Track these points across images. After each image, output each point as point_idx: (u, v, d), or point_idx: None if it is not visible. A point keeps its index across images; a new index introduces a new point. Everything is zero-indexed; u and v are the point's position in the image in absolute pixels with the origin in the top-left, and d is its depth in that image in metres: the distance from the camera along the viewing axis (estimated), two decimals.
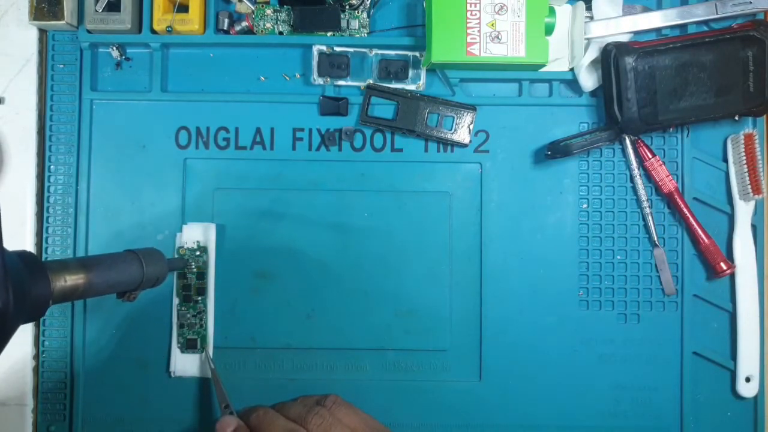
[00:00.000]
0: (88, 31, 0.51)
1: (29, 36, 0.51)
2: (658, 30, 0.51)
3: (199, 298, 0.51)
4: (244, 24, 0.51)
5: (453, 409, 0.52)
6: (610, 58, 0.49)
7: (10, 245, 0.51)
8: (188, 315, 0.51)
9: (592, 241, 0.52)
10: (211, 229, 0.51)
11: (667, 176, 0.51)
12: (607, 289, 0.52)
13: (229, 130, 0.52)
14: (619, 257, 0.52)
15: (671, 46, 0.48)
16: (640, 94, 0.49)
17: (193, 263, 0.51)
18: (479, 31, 0.47)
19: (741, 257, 0.51)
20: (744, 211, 0.52)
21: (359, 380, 0.52)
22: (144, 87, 0.52)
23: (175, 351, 0.51)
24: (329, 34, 0.51)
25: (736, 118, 0.50)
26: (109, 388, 0.52)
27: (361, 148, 0.53)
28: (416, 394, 0.52)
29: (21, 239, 0.51)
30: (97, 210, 0.52)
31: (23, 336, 0.51)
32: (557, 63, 0.51)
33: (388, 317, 0.52)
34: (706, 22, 0.51)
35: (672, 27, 0.51)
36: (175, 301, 0.51)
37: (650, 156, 0.51)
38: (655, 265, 0.52)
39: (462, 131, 0.52)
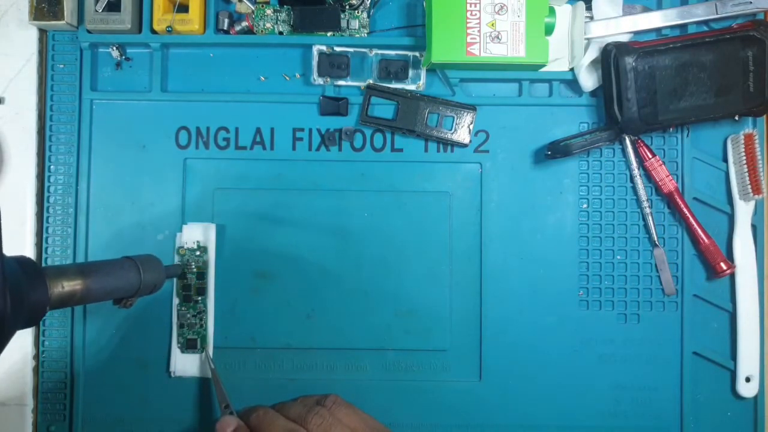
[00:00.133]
0: (88, 31, 0.51)
1: (29, 36, 0.51)
2: (658, 30, 0.51)
3: (199, 298, 0.51)
4: (244, 24, 0.51)
5: (453, 409, 0.52)
6: (610, 58, 0.49)
7: (10, 245, 0.51)
8: (188, 315, 0.51)
9: (592, 241, 0.52)
10: (211, 229, 0.51)
11: (667, 176, 0.51)
12: (607, 289, 0.52)
13: (229, 130, 0.52)
14: (619, 257, 0.52)
15: (671, 46, 0.48)
16: (640, 94, 0.49)
17: (193, 263, 0.51)
18: (479, 31, 0.47)
19: (741, 257, 0.52)
20: (744, 211, 0.52)
21: (359, 380, 0.52)
22: (144, 87, 0.52)
23: (175, 351, 0.51)
24: (329, 34, 0.51)
25: (736, 118, 0.50)
26: (109, 388, 0.52)
27: (361, 148, 0.53)
28: (416, 394, 0.52)
29: (21, 239, 0.51)
30: (97, 210, 0.52)
31: (23, 336, 0.51)
32: (557, 63, 0.51)
33: (388, 317, 0.52)
34: (706, 22, 0.51)
35: (672, 27, 0.51)
36: (175, 301, 0.51)
37: (650, 156, 0.51)
38: (655, 265, 0.52)
39: (462, 131, 0.52)
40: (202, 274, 0.51)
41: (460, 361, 0.52)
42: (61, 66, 0.52)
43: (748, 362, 0.51)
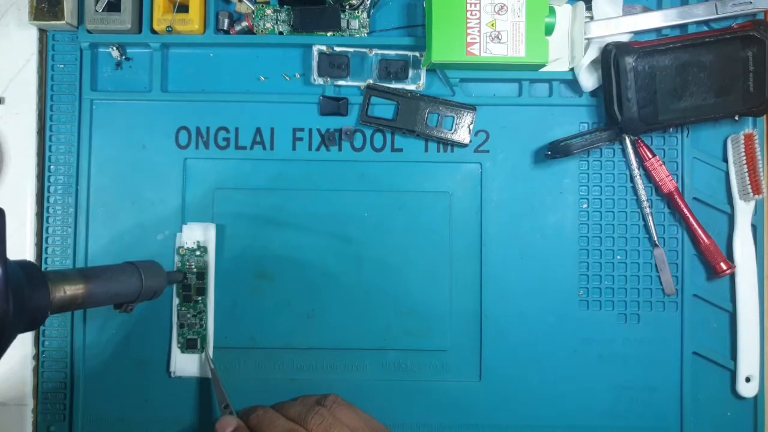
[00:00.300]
0: (88, 31, 0.51)
1: (29, 36, 0.51)
2: (658, 30, 0.51)
3: (199, 298, 0.51)
4: (244, 24, 0.51)
5: (453, 409, 0.52)
6: (610, 58, 0.49)
7: (9, 245, 0.51)
8: (188, 315, 0.51)
9: (592, 241, 0.52)
10: (211, 229, 0.51)
11: (667, 176, 0.51)
12: (607, 289, 0.52)
13: (229, 130, 0.52)
14: (619, 257, 0.52)
15: (671, 46, 0.48)
16: (640, 94, 0.49)
17: (193, 263, 0.51)
18: (479, 31, 0.47)
19: (741, 257, 0.52)
20: (744, 211, 0.52)
21: (359, 380, 0.52)
22: (144, 87, 0.52)
23: (175, 351, 0.51)
24: (329, 34, 0.51)
25: (736, 118, 0.50)
26: (109, 388, 0.52)
27: (361, 148, 0.53)
28: (416, 394, 0.52)
29: (21, 239, 0.51)
30: (97, 210, 0.52)
31: (23, 336, 0.51)
32: (557, 63, 0.51)
33: (388, 317, 0.52)
34: (706, 22, 0.51)
35: (672, 27, 0.51)
36: (175, 301, 0.51)
37: (650, 156, 0.51)
38: (655, 265, 0.52)
39: (462, 131, 0.52)
40: (202, 274, 0.51)
41: (460, 361, 0.52)
42: (61, 66, 0.52)
43: (748, 362, 0.51)
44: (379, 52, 0.51)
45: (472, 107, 0.52)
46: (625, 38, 0.50)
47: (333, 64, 0.51)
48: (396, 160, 0.52)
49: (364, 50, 0.51)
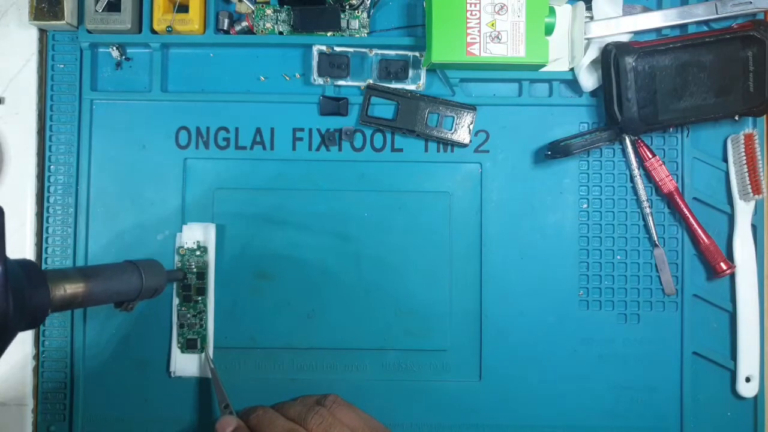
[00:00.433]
0: (88, 31, 0.51)
1: (29, 36, 0.51)
2: (658, 30, 0.51)
3: (199, 298, 0.51)
4: (244, 24, 0.51)
5: (453, 409, 0.52)
6: (610, 58, 0.49)
7: (10, 245, 0.51)
8: (188, 315, 0.51)
9: (592, 241, 0.52)
10: (211, 229, 0.51)
11: (667, 176, 0.51)
12: (607, 289, 0.52)
13: (229, 130, 0.52)
14: (619, 257, 0.52)
15: (671, 46, 0.48)
16: (640, 94, 0.49)
17: (193, 263, 0.51)
18: (479, 31, 0.47)
19: (741, 257, 0.51)
20: (744, 211, 0.52)
21: (359, 380, 0.52)
22: (144, 87, 0.52)
23: (175, 351, 0.51)
24: (329, 34, 0.51)
25: (736, 118, 0.50)
26: (109, 388, 0.52)
27: (361, 148, 0.53)
28: (416, 394, 0.52)
29: (21, 239, 0.51)
30: (97, 210, 0.52)
31: (23, 336, 0.51)
32: (557, 63, 0.51)
33: (388, 317, 0.52)
34: (706, 22, 0.51)
35: (672, 27, 0.51)
36: (175, 301, 0.51)
37: (650, 156, 0.51)
38: (655, 265, 0.52)
39: (462, 131, 0.52)
40: (202, 274, 0.51)
41: (460, 361, 0.52)
42: (61, 66, 0.52)
43: (748, 362, 0.51)
44: (379, 52, 0.51)
45: (472, 107, 0.52)
46: (625, 38, 0.50)
47: (333, 64, 0.51)
48: (396, 160, 0.52)
49: (364, 50, 0.51)
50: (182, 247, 0.51)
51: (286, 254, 0.52)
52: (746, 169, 0.50)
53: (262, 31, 0.51)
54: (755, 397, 0.52)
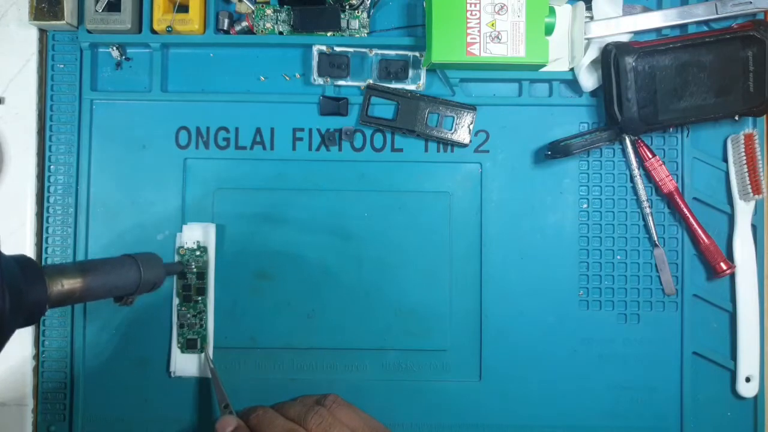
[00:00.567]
0: (88, 31, 0.51)
1: (29, 36, 0.51)
2: (658, 30, 0.51)
3: (199, 298, 0.51)
4: (244, 24, 0.51)
5: (453, 409, 0.52)
6: (610, 58, 0.49)
7: (10, 245, 0.51)
8: (188, 315, 0.51)
9: (592, 241, 0.52)
10: (211, 229, 0.51)
11: (667, 176, 0.51)
12: (607, 289, 0.52)
13: (229, 130, 0.52)
14: (619, 257, 0.52)
15: (671, 46, 0.48)
16: (640, 94, 0.49)
17: (193, 263, 0.51)
18: (479, 31, 0.47)
19: (741, 257, 0.51)
20: (744, 211, 0.52)
21: (359, 380, 0.52)
22: (144, 87, 0.52)
23: (175, 351, 0.51)
24: (329, 34, 0.51)
25: (736, 118, 0.50)
26: (109, 388, 0.52)
27: (361, 148, 0.53)
28: (416, 394, 0.52)
29: (21, 239, 0.51)
30: (97, 210, 0.52)
31: (23, 336, 0.51)
32: (557, 63, 0.51)
33: (388, 317, 0.52)
34: (706, 22, 0.51)
35: (672, 27, 0.51)
36: (175, 301, 0.51)
37: (650, 156, 0.51)
38: (655, 265, 0.52)
39: (462, 131, 0.52)
40: (202, 274, 0.51)
41: (460, 361, 0.52)
42: (61, 66, 0.52)
43: (748, 362, 0.51)
44: (379, 52, 0.51)
45: (472, 107, 0.52)
46: (625, 38, 0.50)
47: (333, 64, 0.51)
48: (396, 160, 0.52)
49: (364, 50, 0.51)
50: (182, 247, 0.51)
51: (286, 254, 0.52)
52: (746, 169, 0.50)
53: (262, 31, 0.51)
54: (755, 397, 0.52)
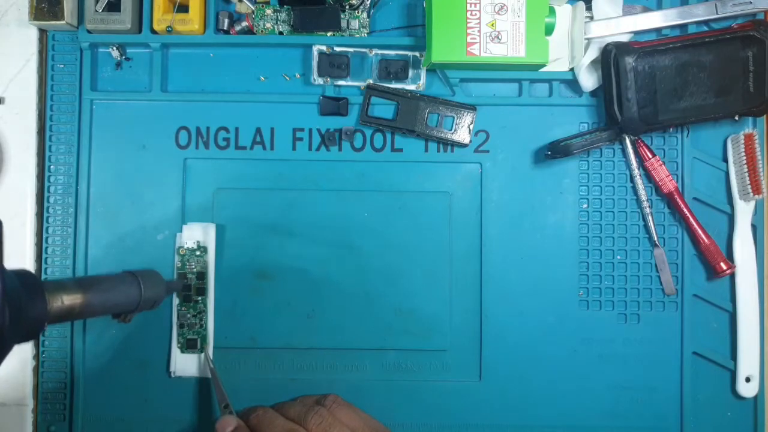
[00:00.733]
0: (88, 31, 0.51)
1: (29, 36, 0.51)
2: (658, 30, 0.51)
3: (199, 298, 0.51)
4: (244, 24, 0.51)
5: (453, 409, 0.52)
6: (610, 58, 0.49)
7: (9, 245, 0.51)
8: (188, 315, 0.51)
9: (592, 241, 0.52)
10: (211, 229, 0.51)
11: (667, 176, 0.51)
12: (607, 289, 0.52)
13: (229, 130, 0.52)
14: (619, 257, 0.52)
15: (671, 46, 0.48)
16: (640, 94, 0.49)
17: (193, 263, 0.51)
18: (479, 31, 0.47)
19: (741, 257, 0.51)
20: (744, 211, 0.52)
21: (359, 380, 0.52)
22: (144, 87, 0.52)
23: (175, 351, 0.51)
24: (329, 34, 0.51)
25: (736, 118, 0.50)
26: (109, 389, 0.52)
27: (361, 148, 0.53)
28: (416, 394, 0.52)
29: (21, 239, 0.51)
30: (97, 210, 0.52)
31: None
32: (557, 63, 0.51)
33: (388, 317, 0.52)
34: (706, 22, 0.51)
35: (672, 27, 0.51)
36: (175, 301, 0.51)
37: (650, 156, 0.51)
38: (655, 265, 0.52)
39: (462, 131, 0.52)
40: (202, 274, 0.51)
41: (460, 361, 0.52)
42: (61, 66, 0.52)
43: (748, 362, 0.51)
44: (379, 52, 0.51)
45: (472, 107, 0.52)
46: (625, 38, 0.50)
47: (333, 64, 0.51)
48: (396, 160, 0.52)
49: (364, 50, 0.51)
50: (182, 247, 0.51)
51: (286, 254, 0.52)
52: (746, 169, 0.50)
53: (262, 31, 0.51)
54: (755, 397, 0.52)
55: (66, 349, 0.52)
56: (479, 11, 0.47)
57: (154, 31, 0.51)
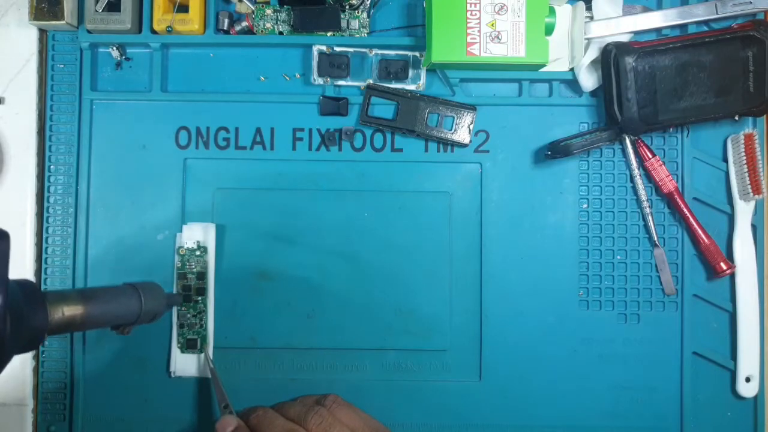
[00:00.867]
0: (88, 31, 0.51)
1: (29, 36, 0.51)
2: (658, 30, 0.51)
3: (199, 298, 0.51)
4: (244, 24, 0.51)
5: (453, 409, 0.52)
6: (610, 58, 0.49)
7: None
8: (188, 315, 0.51)
9: (592, 241, 0.52)
10: (211, 229, 0.51)
11: (667, 176, 0.51)
12: (607, 289, 0.52)
13: (229, 130, 0.52)
14: (619, 257, 0.52)
15: (671, 46, 0.48)
16: (640, 94, 0.49)
17: (193, 263, 0.51)
18: (479, 31, 0.47)
19: (741, 257, 0.51)
20: (744, 211, 0.52)
21: (359, 380, 0.52)
22: (144, 87, 0.52)
23: (175, 351, 0.51)
24: (329, 34, 0.51)
25: (736, 118, 0.50)
26: (109, 389, 0.52)
27: (361, 148, 0.53)
28: (416, 394, 0.52)
29: (21, 240, 0.51)
30: (97, 210, 0.52)
31: None
32: (557, 63, 0.51)
33: (388, 317, 0.52)
34: (706, 22, 0.51)
35: (672, 27, 0.51)
36: None
37: (650, 156, 0.51)
38: (655, 265, 0.52)
39: (462, 131, 0.52)
40: (202, 274, 0.51)
41: (460, 361, 0.52)
42: (61, 66, 0.52)
43: (748, 362, 0.51)
44: (379, 52, 0.51)
45: (472, 107, 0.52)
46: (625, 38, 0.50)
47: (333, 64, 0.51)
48: (396, 160, 0.52)
49: (364, 50, 0.51)
50: (182, 247, 0.51)
51: (286, 254, 0.52)
52: (746, 169, 0.50)
53: (262, 31, 0.51)
54: (755, 397, 0.52)
55: (66, 349, 0.52)
56: (479, 11, 0.47)
57: (154, 31, 0.51)
